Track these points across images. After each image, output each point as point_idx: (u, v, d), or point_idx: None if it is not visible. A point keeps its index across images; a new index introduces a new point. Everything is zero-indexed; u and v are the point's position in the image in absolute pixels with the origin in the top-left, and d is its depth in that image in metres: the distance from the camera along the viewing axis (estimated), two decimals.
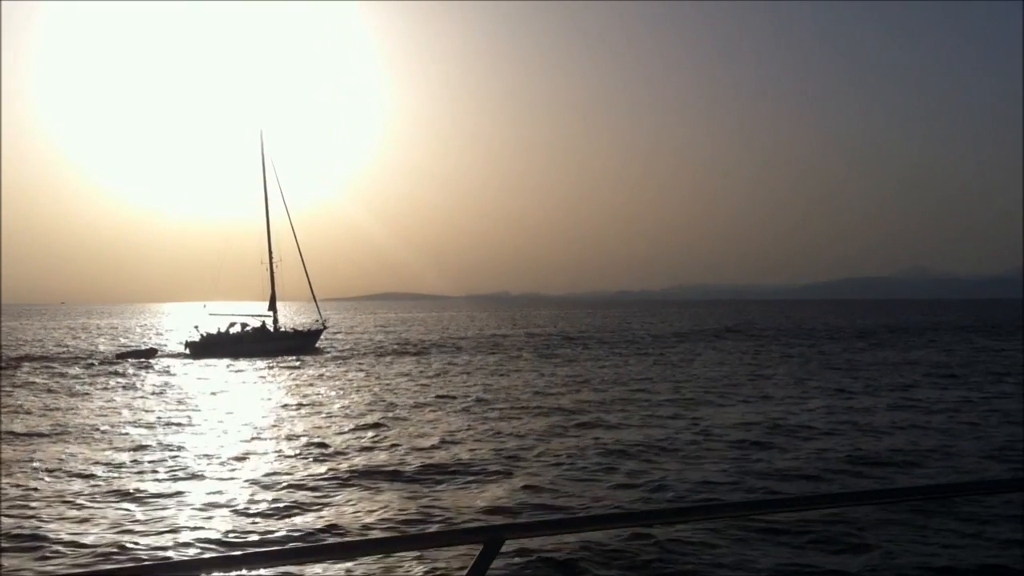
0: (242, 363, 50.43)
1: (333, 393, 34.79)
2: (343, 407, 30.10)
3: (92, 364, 50.48)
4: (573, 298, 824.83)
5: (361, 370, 45.68)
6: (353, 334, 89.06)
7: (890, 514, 14.00)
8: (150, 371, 45.63)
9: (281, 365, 49.00)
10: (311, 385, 38.16)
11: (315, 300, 66.87)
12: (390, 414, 28.05)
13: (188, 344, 60.52)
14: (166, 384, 39.12)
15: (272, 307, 64.80)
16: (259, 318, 64.12)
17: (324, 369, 46.44)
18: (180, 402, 32.33)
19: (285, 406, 30.76)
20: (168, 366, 49.01)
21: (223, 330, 61.60)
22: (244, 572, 2.96)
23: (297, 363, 50.43)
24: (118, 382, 40.12)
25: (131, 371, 45.34)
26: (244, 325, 62.63)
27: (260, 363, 50.46)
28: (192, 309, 76.74)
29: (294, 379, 40.99)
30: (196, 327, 61.96)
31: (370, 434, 24.07)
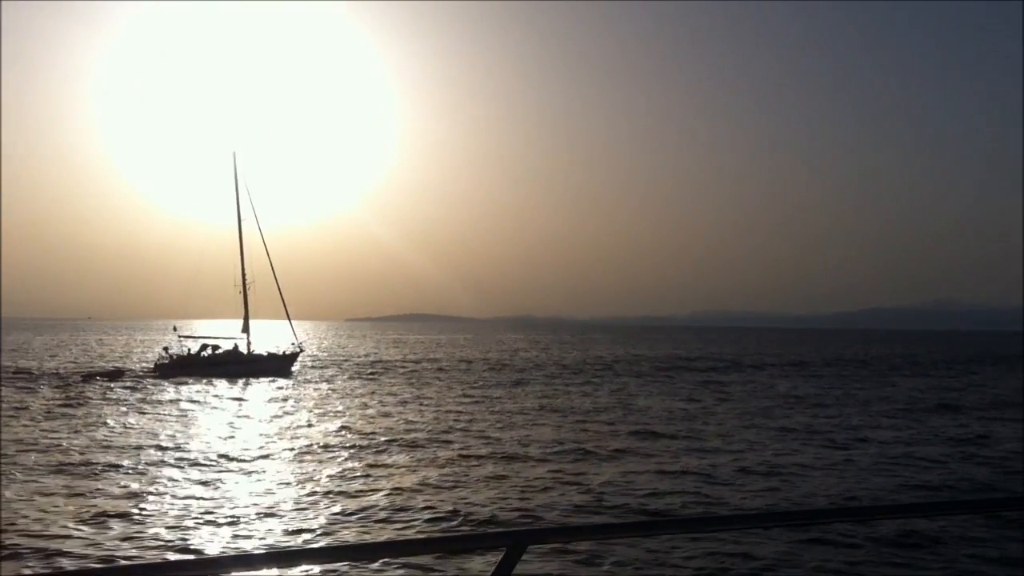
0: (207, 384, 47.69)
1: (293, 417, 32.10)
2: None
3: (51, 383, 47.74)
4: (596, 323, 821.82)
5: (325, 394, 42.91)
6: (344, 357, 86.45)
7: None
8: (109, 392, 42.74)
9: (248, 386, 46.32)
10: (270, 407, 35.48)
11: (290, 322, 64.53)
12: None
13: (157, 366, 58.57)
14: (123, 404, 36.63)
15: (245, 329, 62.69)
16: (231, 340, 62.14)
17: (286, 392, 43.72)
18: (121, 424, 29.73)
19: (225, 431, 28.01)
20: (131, 387, 46.23)
21: (193, 352, 59.47)
22: (266, 572, 2.94)
23: (268, 385, 47.78)
24: (66, 401, 37.76)
25: (88, 392, 42.39)
26: (215, 348, 60.62)
27: (225, 384, 47.78)
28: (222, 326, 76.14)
29: (250, 402, 38.27)
30: (166, 348, 60.33)
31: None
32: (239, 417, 32.69)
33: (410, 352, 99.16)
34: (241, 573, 3.03)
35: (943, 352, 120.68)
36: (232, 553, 5.58)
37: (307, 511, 16.51)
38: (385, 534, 15.00)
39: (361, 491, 18.43)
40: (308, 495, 17.90)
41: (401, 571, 11.99)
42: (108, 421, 30.40)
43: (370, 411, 35.38)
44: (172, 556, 12.80)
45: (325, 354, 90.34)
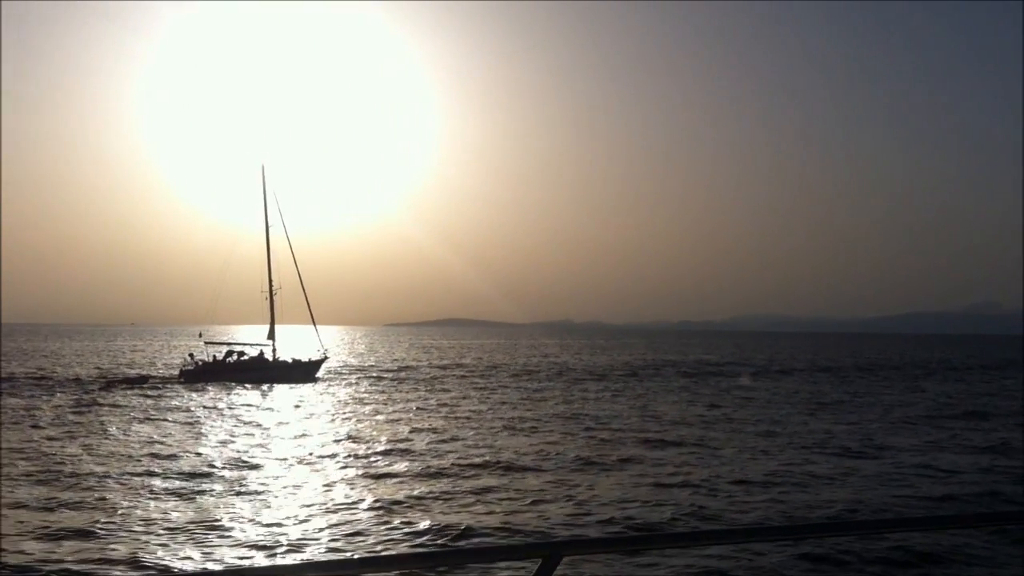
0: (226, 391, 47.68)
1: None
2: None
3: (69, 390, 47.90)
4: (634, 327, 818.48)
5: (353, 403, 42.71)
6: (373, 363, 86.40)
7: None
8: (124, 398, 42.68)
9: (267, 393, 46.21)
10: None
11: (316, 328, 64.54)
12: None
13: (183, 372, 58.80)
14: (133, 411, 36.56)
15: (271, 335, 62.94)
16: (257, 347, 62.43)
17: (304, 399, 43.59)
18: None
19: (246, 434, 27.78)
20: (149, 393, 46.24)
21: (219, 358, 59.78)
22: None
23: (288, 391, 47.68)
24: (77, 408, 37.65)
25: (102, 399, 42.37)
26: (241, 354, 60.90)
27: (245, 390, 47.74)
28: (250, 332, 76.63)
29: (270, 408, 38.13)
30: (191, 355, 60.66)
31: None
32: (245, 424, 32.46)
33: (438, 358, 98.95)
34: None
35: (980, 356, 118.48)
36: (256, 565, 5.68)
37: (279, 526, 16.22)
38: (360, 548, 14.68)
39: (338, 504, 18.10)
40: (283, 508, 17.59)
41: None
42: (111, 429, 30.27)
43: (379, 418, 35.13)
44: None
45: (356, 360, 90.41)
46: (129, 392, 46.84)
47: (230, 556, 13.91)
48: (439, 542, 15.09)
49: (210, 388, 50.13)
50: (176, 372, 60.73)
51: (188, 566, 13.39)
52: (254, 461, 23.49)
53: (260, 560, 13.57)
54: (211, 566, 13.58)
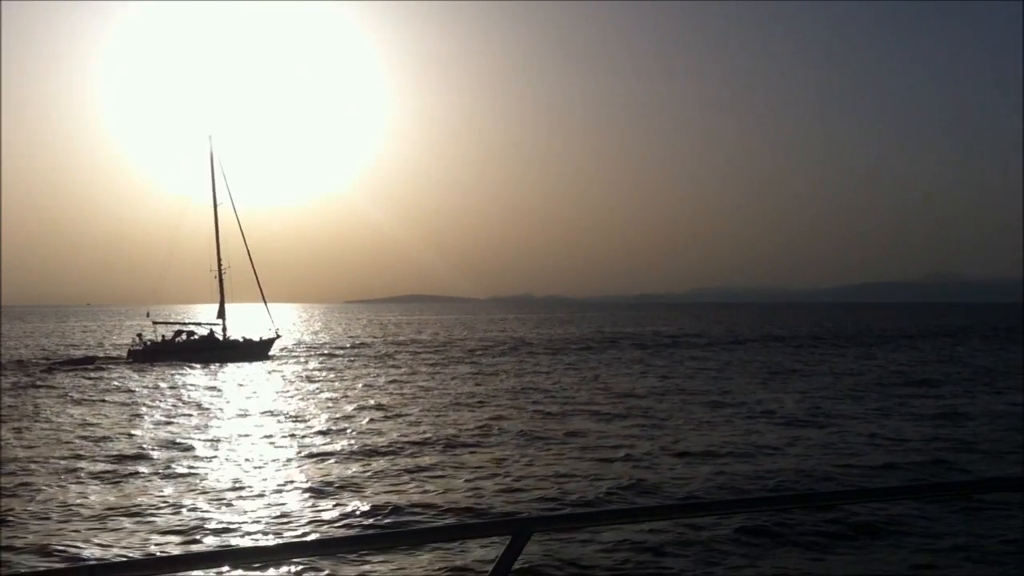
0: (170, 371, 46.74)
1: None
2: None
3: (16, 373, 46.70)
4: (594, 301, 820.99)
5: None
6: (326, 341, 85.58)
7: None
8: (63, 380, 41.59)
9: (214, 373, 45.35)
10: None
11: (267, 307, 63.70)
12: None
13: (131, 352, 57.93)
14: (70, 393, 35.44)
15: (221, 314, 62.11)
16: (207, 326, 61.62)
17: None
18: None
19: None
20: (89, 375, 45.20)
21: (168, 338, 58.89)
22: (270, 563, 4.31)
23: (235, 370, 46.85)
24: (13, 390, 36.74)
25: (40, 382, 41.25)
26: (191, 334, 60.12)
27: (191, 370, 46.84)
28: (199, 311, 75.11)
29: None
30: (139, 335, 59.73)
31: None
32: (184, 404, 31.73)
33: (393, 334, 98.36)
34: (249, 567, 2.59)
35: (936, 325, 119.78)
36: (233, 546, 5.77)
37: (198, 510, 15.68)
38: (285, 531, 14.20)
39: (269, 486, 17.57)
40: (207, 492, 17.02)
41: (404, 561, 11.57)
42: (45, 412, 29.34)
43: (324, 396, 34.57)
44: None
45: (310, 338, 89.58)
46: (72, 374, 45.78)
47: (144, 543, 13.37)
48: (367, 523, 14.64)
49: (156, 368, 49.22)
50: (124, 353, 59.83)
51: (99, 554, 12.84)
52: (186, 442, 22.81)
53: (209, 543, 13.41)
54: (131, 554, 13.04)
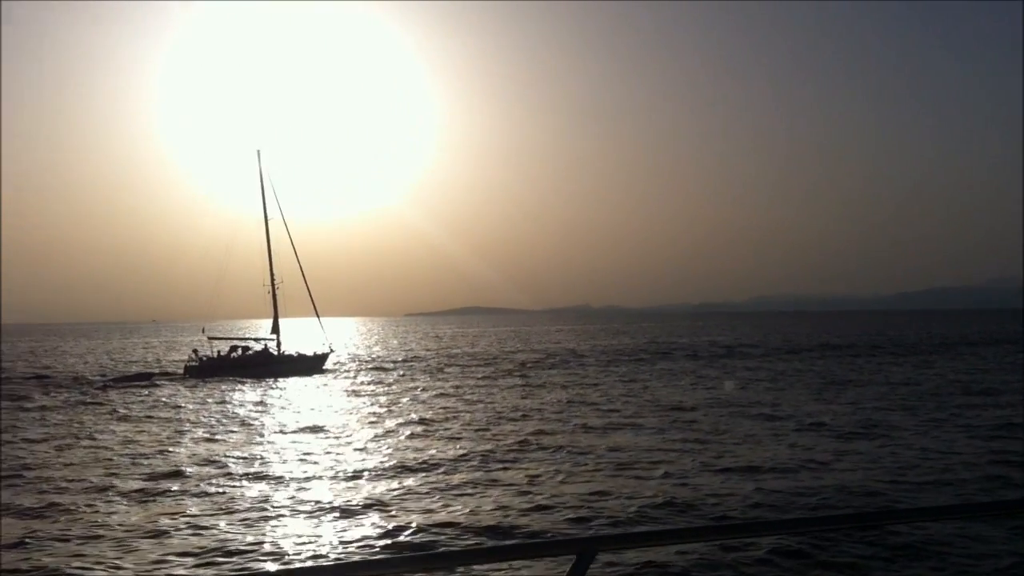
0: (225, 387, 47.09)
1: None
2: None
3: (64, 388, 47.45)
4: (652, 311, 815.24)
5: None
6: (381, 354, 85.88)
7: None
8: (116, 397, 42.10)
9: (268, 389, 45.60)
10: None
11: (319, 321, 64.00)
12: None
13: (187, 368, 58.50)
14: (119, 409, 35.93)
15: (275, 329, 62.52)
16: (262, 341, 62.14)
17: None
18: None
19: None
20: (142, 391, 45.70)
21: (223, 353, 59.46)
22: None
23: (286, 386, 47.08)
24: (65, 406, 37.32)
25: (91, 398, 41.81)
26: (246, 349, 60.60)
27: (245, 387, 47.17)
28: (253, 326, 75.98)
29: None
30: (195, 351, 60.31)
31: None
32: (227, 420, 31.77)
33: (448, 347, 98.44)
34: None
35: (1000, 331, 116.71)
36: (290, 566, 5.54)
37: (225, 532, 15.55)
38: (305, 555, 14.00)
39: (304, 507, 17.40)
40: (219, 513, 16.89)
41: None
42: (92, 429, 29.55)
43: (368, 410, 34.49)
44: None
45: (365, 352, 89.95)
46: (124, 391, 46.30)
47: (156, 567, 13.25)
48: (388, 544, 14.39)
49: (208, 384, 49.58)
50: (181, 369, 60.48)
51: (121, 575, 12.75)
52: (222, 460, 22.73)
53: (270, 566, 13.33)
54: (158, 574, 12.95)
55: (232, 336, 65.74)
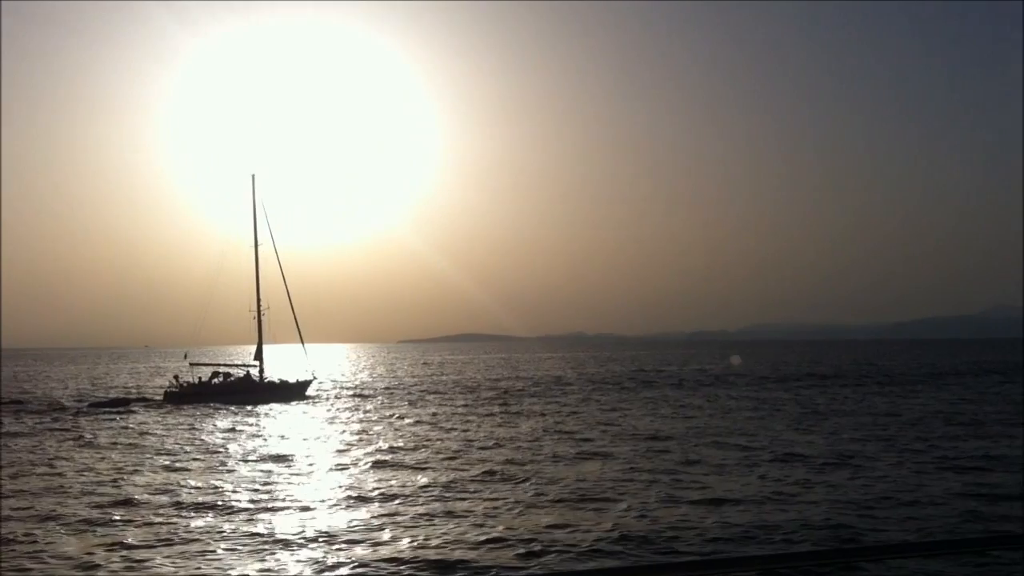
0: (204, 413, 46.45)
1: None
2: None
3: (35, 414, 46.82)
4: (646, 339, 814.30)
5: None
6: (365, 381, 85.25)
7: None
8: (86, 423, 41.47)
9: (242, 416, 44.99)
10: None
11: (304, 348, 63.54)
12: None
13: (167, 394, 57.95)
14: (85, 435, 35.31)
15: (259, 356, 61.91)
16: (244, 368, 61.67)
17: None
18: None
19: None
20: (114, 417, 45.07)
21: (204, 380, 58.88)
22: None
23: (261, 413, 46.50)
24: (32, 431, 36.81)
25: (61, 424, 41.18)
26: (227, 375, 60.02)
27: (221, 414, 46.56)
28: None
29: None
30: (176, 377, 59.80)
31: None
32: (192, 447, 31.19)
33: (433, 375, 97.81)
34: None
35: (992, 360, 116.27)
36: None
37: (142, 566, 15.05)
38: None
39: (232, 537, 16.89)
40: (159, 544, 16.37)
41: None
42: (48, 456, 29.10)
43: (340, 439, 33.92)
44: None
45: (351, 379, 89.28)
46: (96, 418, 45.64)
47: None
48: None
49: (184, 411, 48.94)
50: (161, 395, 59.81)
51: None
52: (175, 489, 22.25)
53: None
54: None
55: (215, 362, 65.08)
